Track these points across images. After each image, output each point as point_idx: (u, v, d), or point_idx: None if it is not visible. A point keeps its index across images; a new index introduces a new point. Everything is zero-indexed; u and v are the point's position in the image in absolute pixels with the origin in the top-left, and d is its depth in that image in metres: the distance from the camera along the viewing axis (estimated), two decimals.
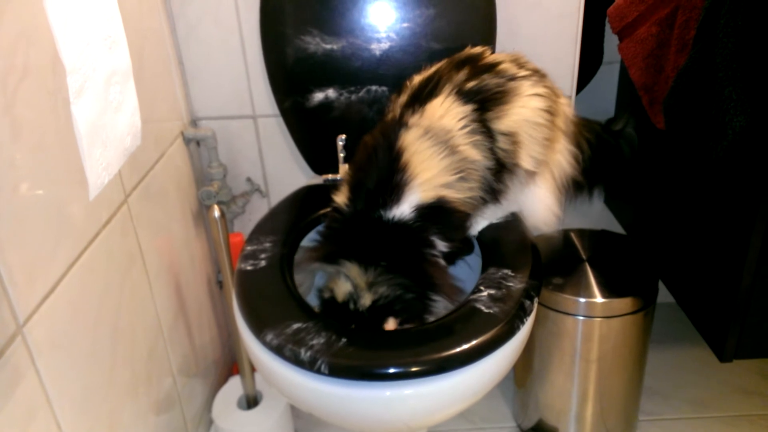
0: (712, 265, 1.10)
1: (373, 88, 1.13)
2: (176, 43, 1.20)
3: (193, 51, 1.21)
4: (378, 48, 1.10)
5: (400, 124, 0.91)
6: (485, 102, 0.91)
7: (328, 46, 1.10)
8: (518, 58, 0.98)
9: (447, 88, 0.92)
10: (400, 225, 0.86)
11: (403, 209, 0.86)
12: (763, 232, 0.98)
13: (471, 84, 0.93)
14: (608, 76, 1.43)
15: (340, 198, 0.91)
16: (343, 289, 0.88)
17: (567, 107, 1.02)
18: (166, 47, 1.15)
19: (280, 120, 1.22)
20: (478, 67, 0.95)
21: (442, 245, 0.89)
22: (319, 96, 1.13)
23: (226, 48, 1.21)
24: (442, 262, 0.90)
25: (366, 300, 0.86)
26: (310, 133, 1.19)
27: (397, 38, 1.10)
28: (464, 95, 0.91)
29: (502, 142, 0.91)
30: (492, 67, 0.95)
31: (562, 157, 1.01)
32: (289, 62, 1.12)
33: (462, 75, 0.94)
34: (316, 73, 1.12)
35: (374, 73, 1.11)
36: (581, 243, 1.25)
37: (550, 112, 0.95)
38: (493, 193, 0.93)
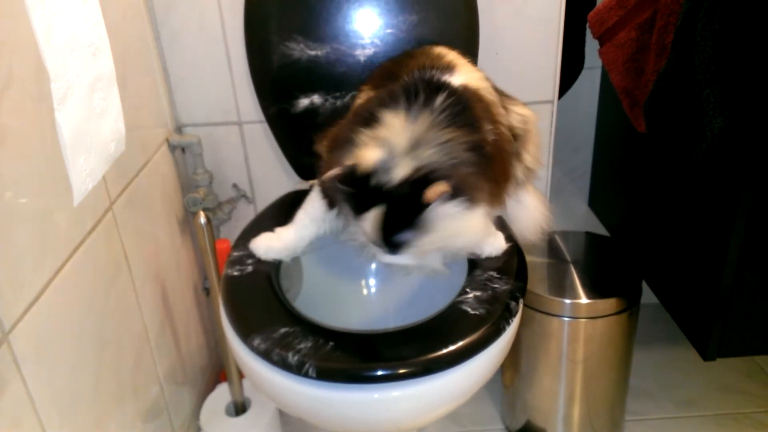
0: (695, 266, 1.12)
1: None
2: (160, 50, 1.20)
3: (177, 58, 1.21)
4: (362, 54, 1.11)
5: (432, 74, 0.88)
6: (498, 91, 0.94)
7: (313, 53, 1.11)
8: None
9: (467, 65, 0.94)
10: (454, 87, 0.81)
11: (453, 79, 0.84)
12: (743, 232, 0.99)
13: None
14: (589, 81, 1.45)
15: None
16: (371, 155, 0.73)
17: None
18: (150, 54, 1.15)
19: (266, 126, 1.22)
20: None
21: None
22: (304, 102, 1.14)
23: (210, 55, 1.21)
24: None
25: (401, 169, 0.72)
26: (295, 138, 1.19)
27: (381, 44, 1.11)
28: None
29: (517, 121, 0.93)
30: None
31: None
32: (274, 68, 1.12)
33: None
34: (301, 80, 1.12)
35: (359, 79, 1.12)
36: (565, 245, 1.26)
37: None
38: None
